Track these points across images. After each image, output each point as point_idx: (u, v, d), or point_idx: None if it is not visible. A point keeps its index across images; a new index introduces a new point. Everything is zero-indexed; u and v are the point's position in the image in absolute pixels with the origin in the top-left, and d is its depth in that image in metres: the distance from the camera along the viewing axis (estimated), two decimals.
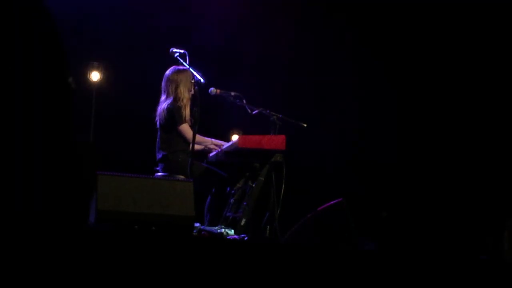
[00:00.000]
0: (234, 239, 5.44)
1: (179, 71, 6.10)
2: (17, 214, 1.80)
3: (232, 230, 5.72)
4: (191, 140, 5.76)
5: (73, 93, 1.85)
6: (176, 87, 6.10)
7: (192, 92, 6.04)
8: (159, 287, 3.78)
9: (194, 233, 4.99)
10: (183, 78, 6.08)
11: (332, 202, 5.85)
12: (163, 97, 6.18)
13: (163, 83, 6.18)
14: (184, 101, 6.08)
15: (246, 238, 5.53)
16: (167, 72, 6.18)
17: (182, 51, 6.00)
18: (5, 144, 1.74)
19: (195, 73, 5.93)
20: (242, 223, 5.80)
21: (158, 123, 6.17)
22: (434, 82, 7.62)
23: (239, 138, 5.96)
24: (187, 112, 6.07)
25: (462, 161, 7.44)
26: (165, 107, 6.07)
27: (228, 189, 6.20)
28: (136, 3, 7.32)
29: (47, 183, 1.82)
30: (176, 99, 6.07)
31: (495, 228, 6.51)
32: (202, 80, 5.91)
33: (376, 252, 5.30)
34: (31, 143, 1.78)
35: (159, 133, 6.18)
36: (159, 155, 6.13)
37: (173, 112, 6.03)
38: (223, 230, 5.66)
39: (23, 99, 1.79)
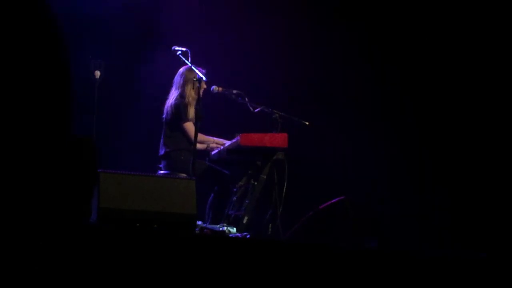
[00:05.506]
0: (236, 237, 5.45)
1: (189, 69, 6.12)
2: (19, 213, 1.81)
3: (234, 228, 5.72)
4: (193, 139, 5.77)
5: (74, 90, 1.85)
6: (184, 84, 6.14)
7: (197, 90, 6.06)
8: (162, 285, 3.78)
9: (196, 231, 4.99)
10: (190, 76, 6.10)
11: (334, 200, 5.85)
12: (171, 92, 6.21)
13: (174, 78, 6.23)
14: (190, 99, 6.10)
15: (248, 236, 5.53)
16: (180, 69, 6.22)
17: (184, 49, 6.00)
18: (6, 143, 1.74)
19: (197, 71, 5.93)
20: (244, 221, 5.80)
21: (164, 118, 6.18)
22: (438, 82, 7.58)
23: (241, 136, 5.97)
24: (191, 110, 6.08)
25: (463, 159, 7.43)
26: (172, 102, 6.11)
27: (231, 187, 6.21)
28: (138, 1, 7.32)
29: (47, 181, 1.82)
30: (182, 96, 6.11)
31: (495, 226, 6.51)
32: (204, 78, 5.92)
33: (378, 250, 5.30)
34: (31, 141, 1.79)
35: (164, 128, 6.19)
36: (162, 151, 6.15)
37: (179, 109, 6.06)
38: (225, 228, 5.66)
39: (23, 96, 1.79)
